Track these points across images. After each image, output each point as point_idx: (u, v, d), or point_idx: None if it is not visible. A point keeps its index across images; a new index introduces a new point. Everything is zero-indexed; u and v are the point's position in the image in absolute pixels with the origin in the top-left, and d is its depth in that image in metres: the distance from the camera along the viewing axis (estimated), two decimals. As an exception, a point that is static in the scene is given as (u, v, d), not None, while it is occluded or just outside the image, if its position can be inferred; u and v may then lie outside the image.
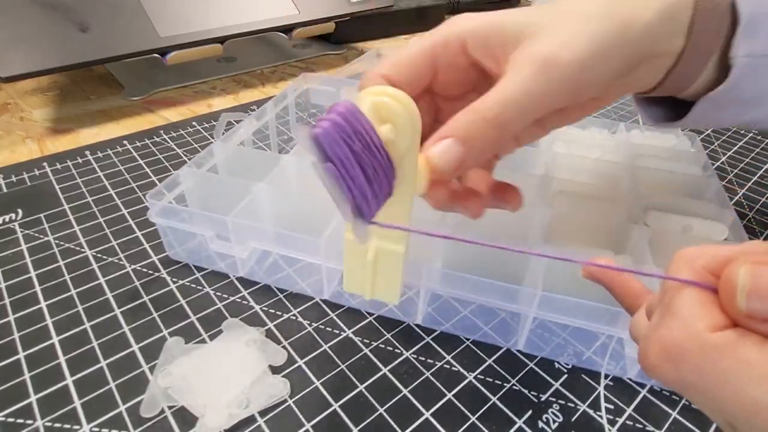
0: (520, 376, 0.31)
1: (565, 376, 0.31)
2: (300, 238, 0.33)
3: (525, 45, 0.23)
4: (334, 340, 0.33)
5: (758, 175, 0.55)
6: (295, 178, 0.40)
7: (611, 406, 0.30)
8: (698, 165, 0.44)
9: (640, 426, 0.29)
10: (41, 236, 0.40)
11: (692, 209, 0.37)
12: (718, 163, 0.57)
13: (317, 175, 0.18)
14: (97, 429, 0.27)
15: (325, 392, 0.30)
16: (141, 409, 0.28)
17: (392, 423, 0.28)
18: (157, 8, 0.60)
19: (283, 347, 0.32)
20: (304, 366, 0.31)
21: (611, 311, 0.29)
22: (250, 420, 0.28)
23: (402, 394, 0.30)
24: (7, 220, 0.42)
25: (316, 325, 0.34)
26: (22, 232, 0.41)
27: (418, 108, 0.20)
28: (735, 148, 0.60)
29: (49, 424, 0.27)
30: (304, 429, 0.28)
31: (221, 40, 0.63)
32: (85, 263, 0.38)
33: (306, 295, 0.36)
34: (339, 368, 0.31)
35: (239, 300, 0.35)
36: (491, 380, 0.31)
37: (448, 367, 0.32)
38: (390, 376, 0.31)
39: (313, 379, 0.30)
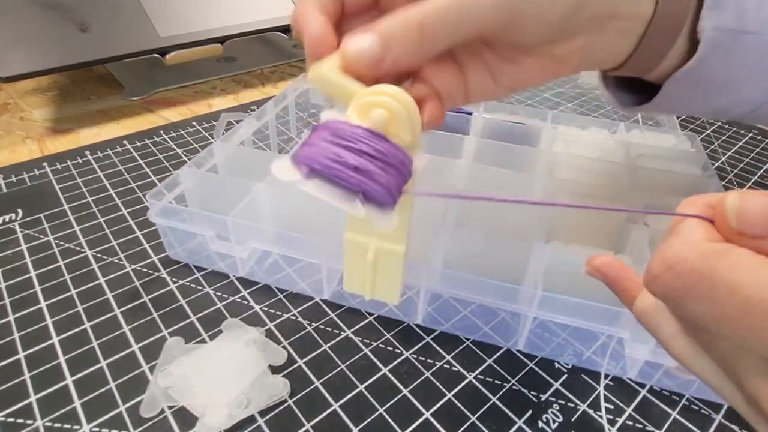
0: (520, 376, 0.31)
1: (565, 376, 0.31)
2: (300, 238, 0.33)
3: None
4: (334, 340, 0.33)
5: (758, 175, 0.55)
6: (295, 178, 0.40)
7: (611, 406, 0.30)
8: (698, 165, 0.44)
9: (640, 426, 0.29)
10: (41, 236, 0.40)
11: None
12: (718, 163, 0.57)
13: (313, 194, 0.18)
14: (97, 429, 0.27)
15: (325, 392, 0.30)
16: (141, 409, 0.28)
17: (392, 423, 0.28)
18: (157, 8, 0.60)
19: (283, 347, 0.32)
20: (304, 366, 0.31)
21: (611, 311, 0.29)
22: (250, 420, 0.28)
23: (402, 394, 0.30)
24: (7, 220, 0.42)
25: (316, 325, 0.34)
26: (22, 232, 0.41)
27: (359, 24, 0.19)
28: (735, 148, 0.60)
29: (49, 424, 0.27)
30: (304, 429, 0.28)
31: (221, 40, 0.63)
32: (85, 263, 0.38)
33: (306, 295, 0.36)
34: (339, 368, 0.31)
35: (239, 300, 0.35)
36: (491, 380, 0.31)
37: (448, 367, 0.32)
38: (390, 376, 0.31)
39: (313, 379, 0.30)
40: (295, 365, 0.31)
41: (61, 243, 0.40)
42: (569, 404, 0.30)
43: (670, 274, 0.15)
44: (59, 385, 0.29)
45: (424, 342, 0.33)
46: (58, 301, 0.35)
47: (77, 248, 0.39)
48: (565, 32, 0.24)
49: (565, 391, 0.30)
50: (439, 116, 0.24)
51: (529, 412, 0.29)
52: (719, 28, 0.25)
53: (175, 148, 0.53)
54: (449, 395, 0.30)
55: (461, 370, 0.31)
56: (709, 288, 0.14)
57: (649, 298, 0.19)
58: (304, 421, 0.28)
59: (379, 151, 0.19)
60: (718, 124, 0.65)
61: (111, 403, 0.28)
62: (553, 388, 0.31)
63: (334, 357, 0.32)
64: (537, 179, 0.39)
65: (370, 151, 0.19)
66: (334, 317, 0.34)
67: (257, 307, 0.35)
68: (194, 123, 0.58)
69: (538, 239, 0.34)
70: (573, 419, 0.29)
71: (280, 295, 0.36)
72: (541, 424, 0.28)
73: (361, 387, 0.30)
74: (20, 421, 0.27)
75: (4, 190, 0.46)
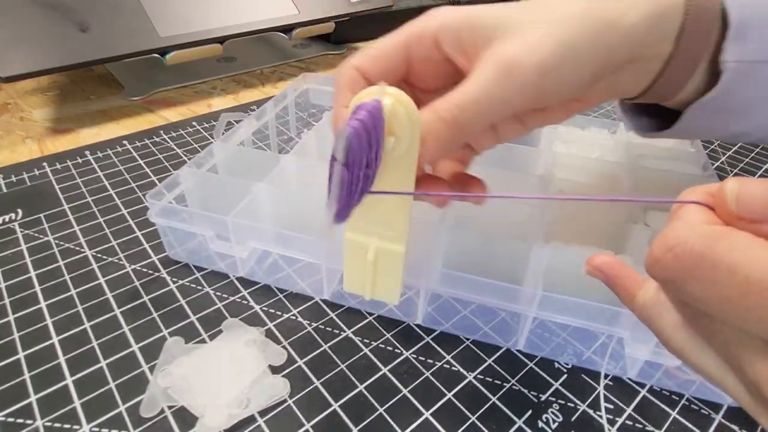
0: (520, 376, 0.31)
1: (565, 376, 0.31)
2: (300, 238, 0.33)
3: (494, 45, 0.23)
4: (334, 340, 0.33)
5: (758, 175, 0.55)
6: (295, 178, 0.40)
7: (611, 406, 0.30)
8: (698, 165, 0.44)
9: (640, 426, 0.29)
10: (41, 236, 0.40)
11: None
12: (718, 163, 0.57)
13: (331, 169, 0.18)
14: (97, 429, 0.27)
15: (325, 392, 0.30)
16: (141, 409, 0.28)
17: (392, 423, 0.28)
18: (157, 8, 0.60)
19: (283, 347, 0.32)
20: (304, 366, 0.31)
21: (611, 311, 0.29)
22: (250, 420, 0.28)
23: (402, 394, 0.30)
24: (7, 220, 0.42)
25: (316, 325, 0.34)
26: (22, 232, 0.41)
27: None
28: (735, 147, 0.60)
29: (49, 424, 0.27)
30: (304, 429, 0.28)
31: (221, 40, 0.63)
32: (85, 263, 0.38)
33: (306, 295, 0.36)
34: (339, 368, 0.31)
35: (239, 300, 0.35)
36: (491, 380, 0.31)
37: (448, 367, 0.32)
38: (390, 376, 0.31)
39: (313, 379, 0.30)
40: (295, 365, 0.31)
41: (61, 243, 0.40)
42: (569, 404, 0.30)
43: (671, 256, 0.15)
44: (59, 385, 0.29)
45: (424, 342, 0.33)
46: (58, 301, 0.35)
47: (77, 248, 0.39)
48: (590, 87, 0.25)
49: (565, 391, 0.30)
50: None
51: (529, 412, 0.29)
52: (742, 60, 0.24)
53: (175, 148, 0.53)
54: (449, 395, 0.30)
55: (461, 370, 0.31)
56: (709, 269, 0.14)
57: (649, 293, 0.20)
58: (304, 421, 0.28)
59: (373, 175, 0.20)
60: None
61: (111, 403, 0.28)
62: (553, 388, 0.31)
63: (334, 357, 0.32)
64: (537, 179, 0.39)
65: (370, 177, 0.20)
66: (334, 317, 0.34)
67: (257, 307, 0.35)
68: (194, 123, 0.58)
69: (538, 239, 0.34)
70: (573, 419, 0.29)
71: (280, 295, 0.36)
72: (540, 424, 0.28)
73: (361, 387, 0.30)
74: (20, 421, 0.27)
75: (4, 190, 0.46)
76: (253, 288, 0.36)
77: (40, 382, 0.29)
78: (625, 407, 0.30)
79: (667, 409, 0.30)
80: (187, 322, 0.33)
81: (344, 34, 0.84)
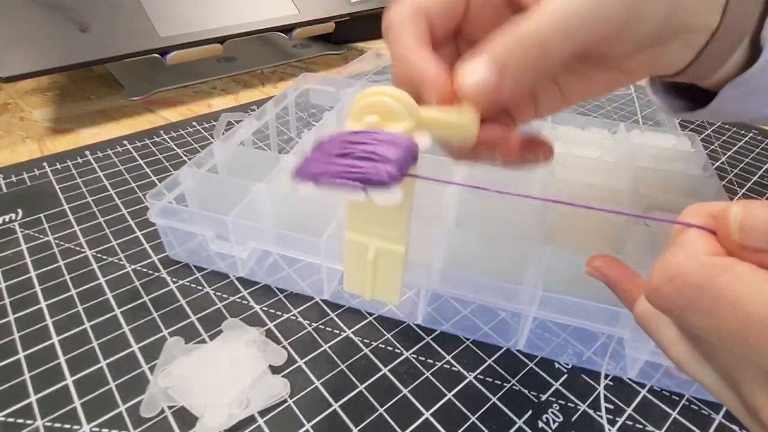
0: (520, 376, 0.31)
1: (565, 376, 0.31)
2: (300, 238, 0.33)
3: None
4: (334, 340, 0.33)
5: (758, 175, 0.55)
6: (295, 178, 0.40)
7: (611, 406, 0.30)
8: (698, 165, 0.44)
9: (640, 426, 0.29)
10: (41, 236, 0.40)
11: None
12: (718, 163, 0.57)
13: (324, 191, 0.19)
14: (97, 429, 0.27)
15: (325, 392, 0.30)
16: (141, 409, 0.28)
17: (392, 423, 0.28)
18: (157, 8, 0.60)
19: (283, 347, 0.32)
20: (304, 366, 0.31)
21: (611, 311, 0.29)
22: (250, 420, 0.28)
23: (402, 394, 0.30)
24: (7, 220, 0.42)
25: (316, 325, 0.34)
26: (22, 232, 0.41)
27: (440, 56, 0.20)
28: (735, 148, 0.60)
29: (49, 424, 0.27)
30: (304, 429, 0.28)
31: (221, 40, 0.63)
32: (85, 263, 0.38)
33: (306, 295, 0.36)
34: (339, 368, 0.31)
35: (239, 300, 0.35)
36: (491, 380, 0.31)
37: (448, 367, 0.32)
38: (390, 376, 0.31)
39: (313, 379, 0.30)
40: (295, 365, 0.31)
41: (61, 243, 0.40)
42: (569, 404, 0.30)
43: (671, 287, 0.15)
44: (59, 385, 0.29)
45: (424, 342, 0.33)
46: (58, 301, 0.35)
47: (77, 248, 0.39)
48: (652, 41, 0.23)
49: (565, 391, 0.30)
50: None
51: (529, 412, 0.29)
52: None
53: (175, 148, 0.53)
54: (449, 395, 0.30)
55: (461, 370, 0.31)
56: (710, 302, 0.14)
57: (647, 303, 0.19)
58: (304, 421, 0.28)
59: (376, 138, 0.19)
60: (718, 124, 0.65)
61: (111, 403, 0.28)
62: (553, 388, 0.31)
63: (334, 357, 0.32)
64: (537, 179, 0.39)
65: (366, 140, 0.19)
66: (334, 317, 0.34)
67: (257, 307, 0.35)
68: (194, 123, 0.58)
69: (538, 239, 0.34)
70: (573, 419, 0.29)
71: (280, 295, 0.36)
72: (541, 424, 0.28)
73: (361, 387, 0.30)
74: (20, 421, 0.27)
75: (4, 190, 0.46)
76: (253, 288, 0.36)
77: (40, 382, 0.29)
78: (625, 407, 0.30)
79: (667, 409, 0.30)
80: (187, 322, 0.33)
81: (344, 34, 0.84)
